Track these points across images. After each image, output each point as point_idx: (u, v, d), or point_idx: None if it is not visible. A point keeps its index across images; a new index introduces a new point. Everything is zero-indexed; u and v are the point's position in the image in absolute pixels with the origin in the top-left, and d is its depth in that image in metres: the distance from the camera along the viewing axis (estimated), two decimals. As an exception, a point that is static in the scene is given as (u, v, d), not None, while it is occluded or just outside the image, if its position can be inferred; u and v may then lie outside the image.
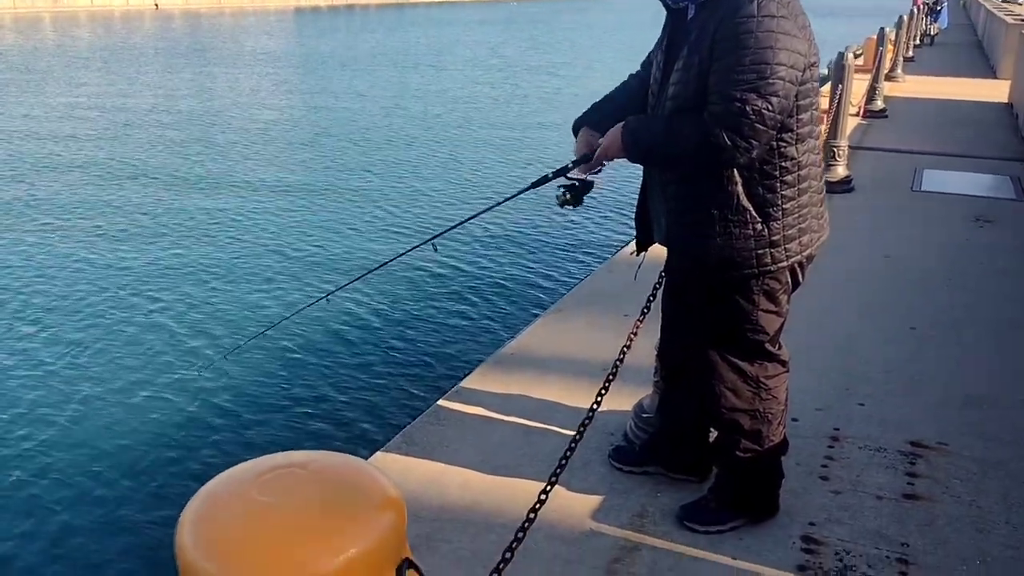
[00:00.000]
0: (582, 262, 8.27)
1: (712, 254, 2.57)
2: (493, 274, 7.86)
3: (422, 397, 5.20)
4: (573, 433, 3.66)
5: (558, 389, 3.92)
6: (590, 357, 4.28)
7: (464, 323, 6.85)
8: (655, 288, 2.94)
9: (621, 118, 2.66)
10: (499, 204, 3.13)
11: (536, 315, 5.94)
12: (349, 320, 6.87)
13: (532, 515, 2.13)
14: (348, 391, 5.84)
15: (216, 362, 5.98)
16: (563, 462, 2.35)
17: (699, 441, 3.13)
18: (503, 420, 3.65)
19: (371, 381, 5.95)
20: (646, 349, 4.37)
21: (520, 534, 2.07)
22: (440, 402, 3.82)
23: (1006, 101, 13.16)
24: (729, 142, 2.35)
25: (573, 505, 3.07)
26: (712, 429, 3.14)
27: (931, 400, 3.86)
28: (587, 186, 2.80)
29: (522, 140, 14.50)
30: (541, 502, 2.18)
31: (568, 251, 8.68)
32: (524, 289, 7.54)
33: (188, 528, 1.42)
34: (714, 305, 2.69)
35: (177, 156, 13.17)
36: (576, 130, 2.92)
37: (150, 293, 7.50)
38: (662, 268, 2.96)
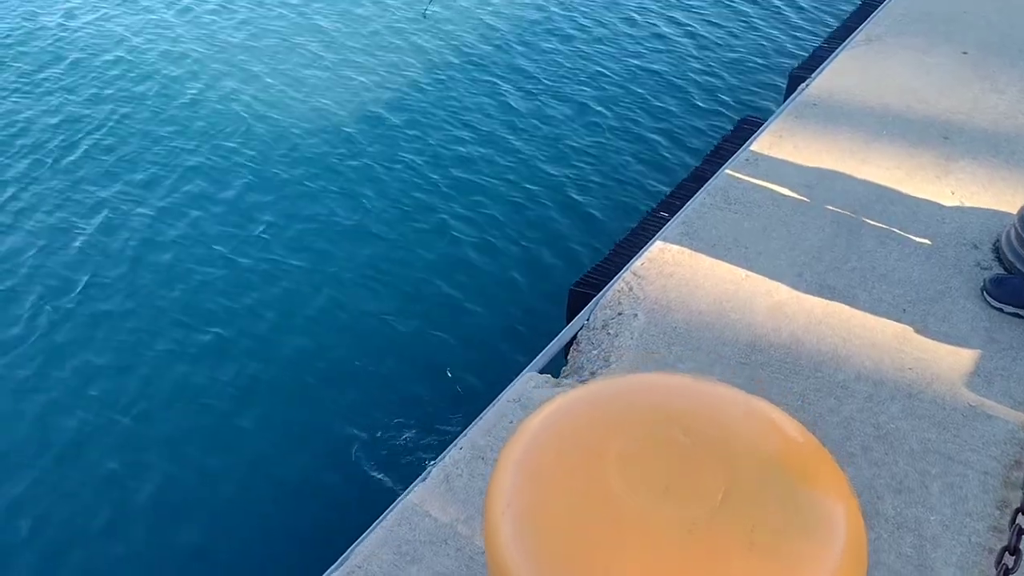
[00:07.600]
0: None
1: None
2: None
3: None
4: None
5: (890, 161, 2.87)
6: (931, 111, 3.12)
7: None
8: None
9: None
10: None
11: (824, 33, 4.61)
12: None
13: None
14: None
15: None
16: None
17: None
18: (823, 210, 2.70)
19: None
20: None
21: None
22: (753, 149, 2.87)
23: None
24: None
25: (934, 384, 2.17)
26: None
27: None
28: None
29: None
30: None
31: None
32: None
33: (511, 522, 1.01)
34: None
35: None
36: None
37: None
38: None
